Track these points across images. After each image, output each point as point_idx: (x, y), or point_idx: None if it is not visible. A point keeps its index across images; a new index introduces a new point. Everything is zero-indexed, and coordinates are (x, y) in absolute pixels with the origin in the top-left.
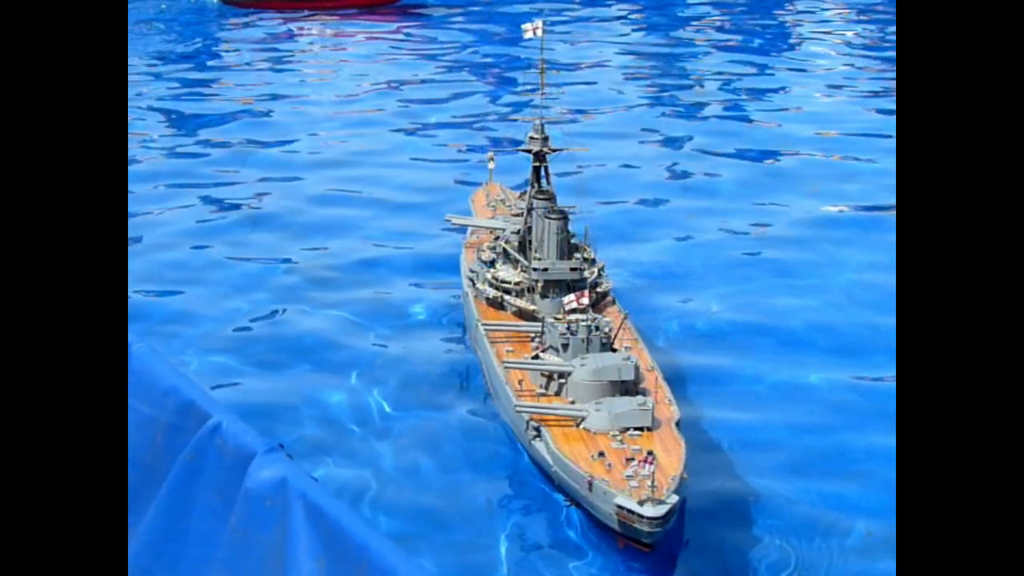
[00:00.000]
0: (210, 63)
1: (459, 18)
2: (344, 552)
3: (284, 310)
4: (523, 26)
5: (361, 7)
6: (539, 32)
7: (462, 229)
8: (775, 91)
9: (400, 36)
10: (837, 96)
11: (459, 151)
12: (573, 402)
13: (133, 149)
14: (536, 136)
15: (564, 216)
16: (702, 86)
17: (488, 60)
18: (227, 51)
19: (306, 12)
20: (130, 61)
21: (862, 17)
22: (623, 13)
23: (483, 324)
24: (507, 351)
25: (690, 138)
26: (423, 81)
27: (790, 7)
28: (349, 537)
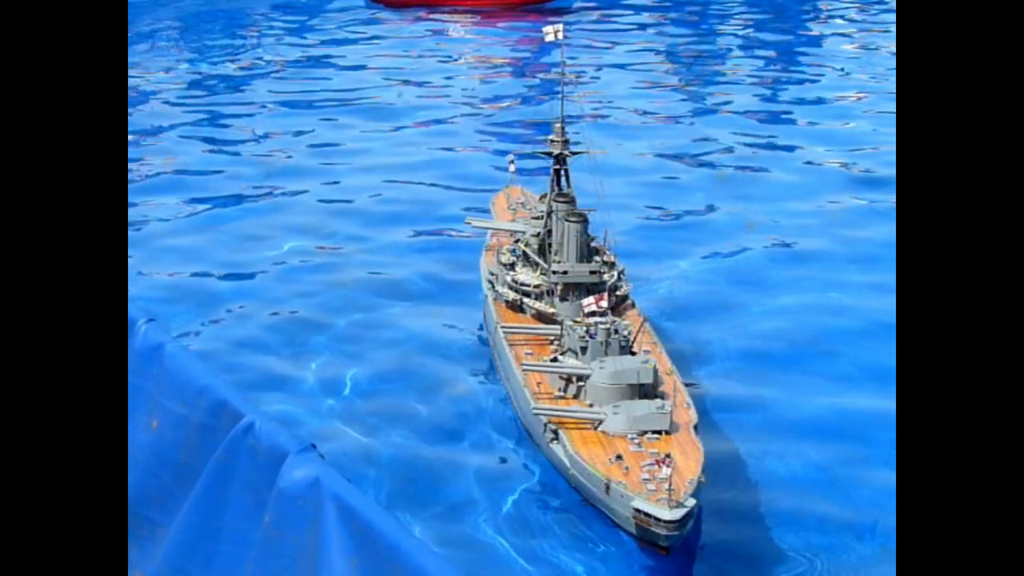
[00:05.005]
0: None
1: (590, 22)
2: (376, 552)
3: (294, 309)
4: (544, 29)
5: (507, 5)
6: (559, 35)
7: (483, 231)
8: (805, 95)
9: (506, 35)
10: (870, 98)
11: (485, 152)
12: (591, 405)
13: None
14: (556, 139)
15: (584, 219)
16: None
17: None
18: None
19: (449, 8)
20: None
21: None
22: (651, 18)
23: (502, 327)
24: (526, 354)
25: (714, 140)
26: (487, 82)
27: (823, 6)
28: (382, 537)
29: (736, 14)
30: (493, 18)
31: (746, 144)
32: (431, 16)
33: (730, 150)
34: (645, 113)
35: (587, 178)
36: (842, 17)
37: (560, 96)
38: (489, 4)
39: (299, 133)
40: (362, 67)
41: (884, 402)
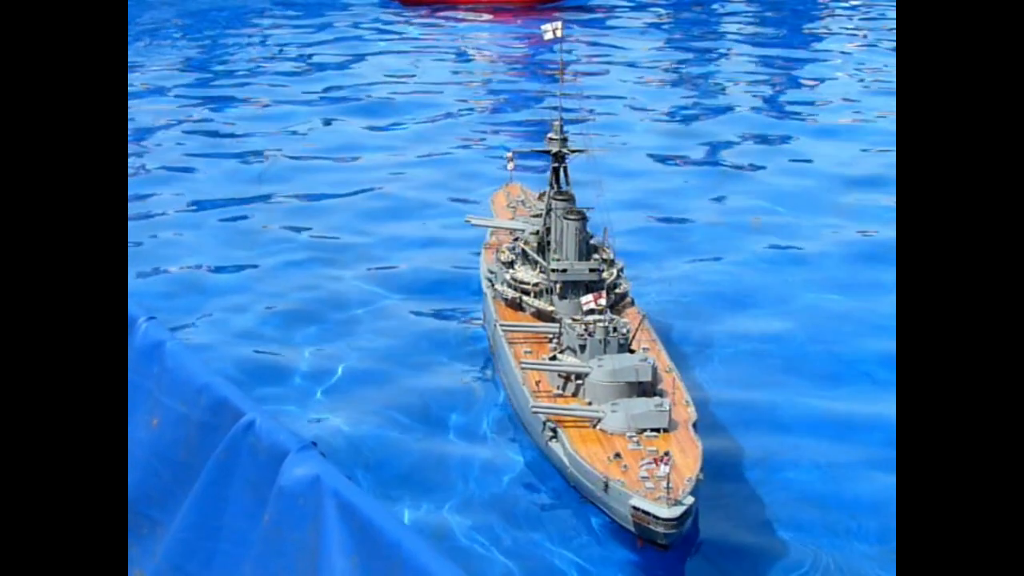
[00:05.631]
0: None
1: (595, 20)
2: (377, 550)
3: (293, 307)
4: (542, 27)
5: (523, 5)
6: (558, 33)
7: (483, 230)
8: (808, 94)
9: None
10: (870, 99)
11: (484, 150)
12: (590, 403)
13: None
14: (555, 137)
15: (583, 217)
16: (726, 89)
17: (588, 61)
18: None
19: (465, 7)
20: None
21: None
22: (654, 16)
23: (501, 325)
24: (525, 352)
25: (716, 139)
26: (489, 81)
27: (824, 10)
28: (382, 535)
29: (740, 12)
30: (508, 16)
31: (748, 144)
32: (443, 14)
33: (732, 149)
34: (647, 111)
35: (586, 176)
36: (844, 15)
37: (558, 94)
38: (505, 2)
39: (299, 129)
40: (366, 64)
41: (884, 402)
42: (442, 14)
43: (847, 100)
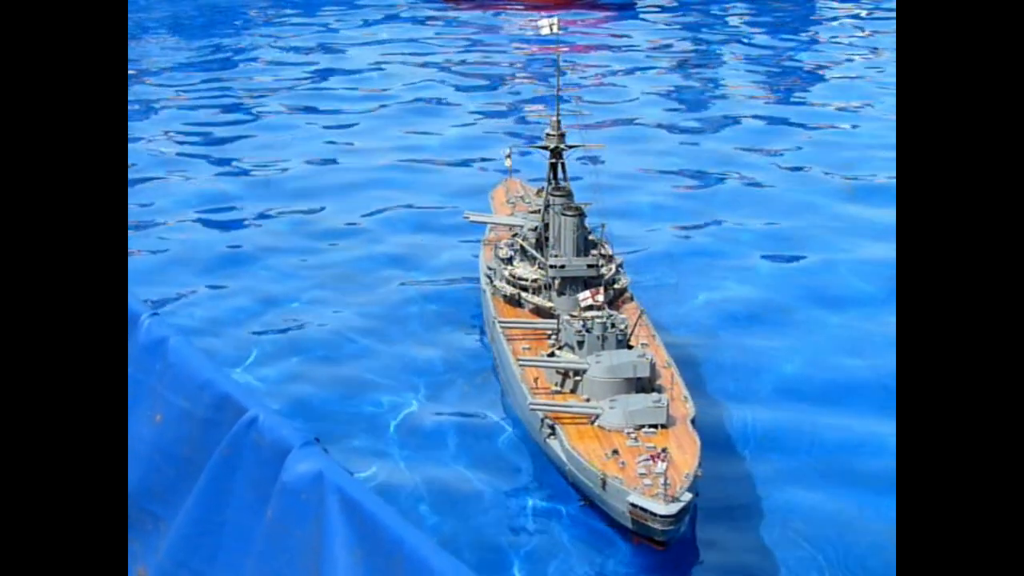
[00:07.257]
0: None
1: (603, 18)
2: (379, 546)
3: (296, 303)
4: (539, 22)
5: (561, 3)
6: (555, 28)
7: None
8: (810, 97)
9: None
10: (869, 101)
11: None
12: (588, 400)
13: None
14: (552, 133)
15: (581, 213)
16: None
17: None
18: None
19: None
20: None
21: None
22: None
23: (500, 321)
24: (524, 348)
25: (710, 139)
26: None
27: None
28: (384, 531)
29: (752, 12)
30: (546, 11)
31: (751, 144)
32: (486, 9)
33: (734, 150)
34: (650, 109)
35: (585, 174)
36: (851, 18)
37: (556, 92)
38: (544, 0)
39: (295, 111)
40: (372, 56)
41: (886, 401)
42: (485, 8)
43: (852, 101)
